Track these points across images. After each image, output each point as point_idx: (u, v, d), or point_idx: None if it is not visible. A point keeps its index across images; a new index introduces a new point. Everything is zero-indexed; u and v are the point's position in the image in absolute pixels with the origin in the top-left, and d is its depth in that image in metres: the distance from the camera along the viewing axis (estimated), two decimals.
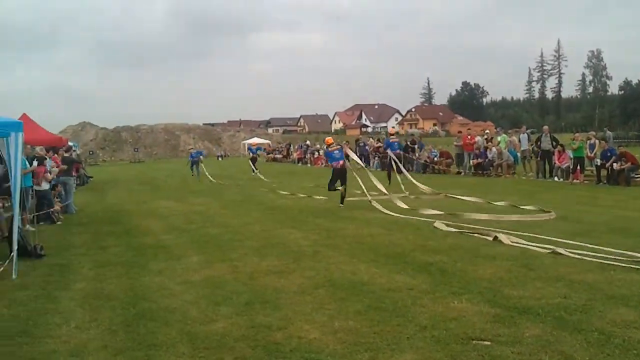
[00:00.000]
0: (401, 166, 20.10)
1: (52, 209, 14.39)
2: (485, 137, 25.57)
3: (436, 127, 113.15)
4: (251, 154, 34.04)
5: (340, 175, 15.19)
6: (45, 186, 14.61)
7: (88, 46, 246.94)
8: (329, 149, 16.10)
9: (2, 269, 8.36)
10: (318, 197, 17.56)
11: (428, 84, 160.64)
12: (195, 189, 23.72)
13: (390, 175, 20.34)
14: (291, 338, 5.29)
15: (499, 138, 25.49)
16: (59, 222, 14.34)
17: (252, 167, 30.94)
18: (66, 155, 17.87)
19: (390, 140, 23.14)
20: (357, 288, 6.93)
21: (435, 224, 11.23)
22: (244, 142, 73.81)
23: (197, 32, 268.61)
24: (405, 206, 13.78)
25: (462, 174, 25.39)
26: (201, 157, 31.77)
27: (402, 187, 18.52)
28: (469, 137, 25.63)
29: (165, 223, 13.55)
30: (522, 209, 13.24)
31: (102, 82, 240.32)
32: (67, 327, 5.89)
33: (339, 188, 15.07)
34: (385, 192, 15.79)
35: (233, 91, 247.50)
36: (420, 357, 4.70)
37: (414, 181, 18.37)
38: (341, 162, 15.35)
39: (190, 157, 32.97)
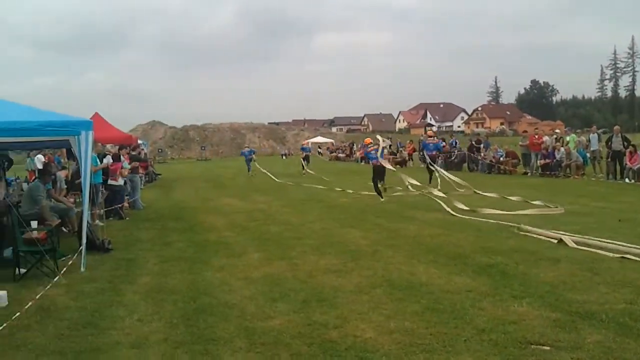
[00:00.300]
0: (434, 166, 21.02)
1: (120, 205, 14.86)
2: (555, 136, 24.79)
3: (503, 126, 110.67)
4: (304, 152, 34.62)
5: (378, 172, 16.62)
6: (120, 182, 15.11)
7: (157, 47, 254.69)
8: (367, 149, 18.04)
9: (71, 262, 8.69)
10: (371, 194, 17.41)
11: (495, 82, 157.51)
12: (259, 187, 23.97)
13: (431, 174, 20.78)
14: (346, 337, 5.31)
15: (567, 138, 24.70)
16: (127, 218, 14.80)
17: (303, 164, 31.93)
18: (133, 153, 18.39)
19: (426, 142, 24.21)
20: (415, 288, 6.88)
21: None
22: (308, 140, 74.19)
23: (263, 33, 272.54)
24: (464, 207, 13.51)
25: (529, 174, 24.67)
26: (253, 155, 32.91)
27: (439, 182, 18.91)
28: (536, 136, 24.92)
29: (228, 220, 13.78)
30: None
31: (171, 82, 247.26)
32: (130, 320, 6.08)
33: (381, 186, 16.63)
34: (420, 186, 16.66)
35: (298, 90, 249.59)
36: None
37: (448, 176, 18.67)
38: (377, 161, 16.64)
39: (243, 155, 35.03)
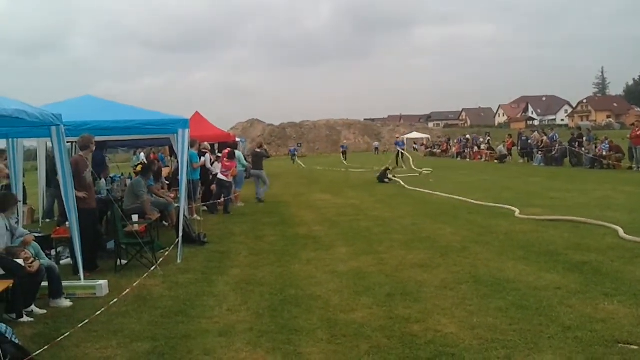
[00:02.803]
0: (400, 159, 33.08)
1: (229, 197, 15.39)
2: None
3: (610, 119, 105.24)
4: (398, 147, 34.59)
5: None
6: (230, 178, 15.66)
7: (257, 46, 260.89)
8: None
9: (168, 254, 9.13)
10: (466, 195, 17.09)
11: (602, 73, 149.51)
12: (352, 183, 24.12)
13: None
14: (428, 331, 5.30)
15: None
16: (241, 204, 16.20)
17: (397, 160, 31.80)
18: (258, 150, 18.99)
19: (397, 141, 39.72)
20: (501, 285, 6.75)
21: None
22: (403, 136, 73.66)
23: (360, 29, 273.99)
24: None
25: (636, 169, 23.24)
26: (296, 153, 37.89)
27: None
28: (637, 129, 23.53)
29: (319, 215, 13.99)
30: None
31: (270, 80, 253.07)
32: (219, 309, 6.34)
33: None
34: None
35: (394, 86, 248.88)
36: (558, 358, 4.50)
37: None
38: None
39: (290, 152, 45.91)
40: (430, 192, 18.10)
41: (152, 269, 8.17)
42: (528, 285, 6.71)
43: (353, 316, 5.87)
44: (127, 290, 6.99)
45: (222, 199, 15.35)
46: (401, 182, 22.18)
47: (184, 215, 10.61)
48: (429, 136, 68.71)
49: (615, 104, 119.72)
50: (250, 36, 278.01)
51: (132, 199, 11.16)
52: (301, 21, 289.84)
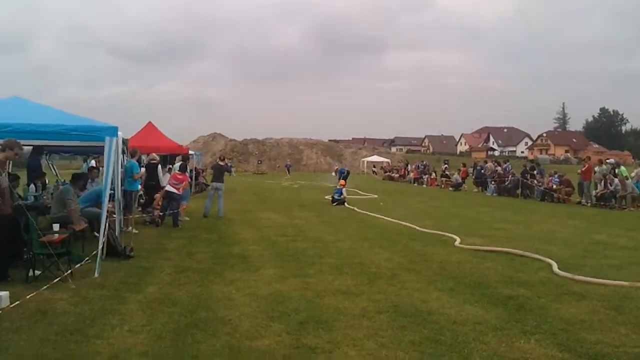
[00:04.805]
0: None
1: (176, 210, 14.92)
2: (612, 166, 23.49)
3: (568, 154, 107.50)
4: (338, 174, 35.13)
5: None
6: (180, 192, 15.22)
7: (225, 61, 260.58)
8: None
9: (86, 266, 8.69)
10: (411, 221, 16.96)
11: (563, 109, 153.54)
12: (304, 203, 23.82)
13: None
14: None
15: (622, 168, 23.37)
16: (187, 218, 15.94)
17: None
18: (220, 163, 18.56)
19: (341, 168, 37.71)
20: (421, 317, 6.51)
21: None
22: (364, 159, 73.94)
23: (329, 50, 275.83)
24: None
25: (588, 204, 23.22)
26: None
27: None
28: (588, 164, 23.81)
29: (259, 234, 13.65)
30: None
31: (236, 96, 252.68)
32: (119, 330, 5.94)
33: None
34: None
35: (360, 109, 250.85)
36: None
37: None
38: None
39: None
40: (379, 216, 17.91)
41: (56, 280, 7.68)
42: (448, 318, 6.48)
43: (258, 343, 5.55)
44: (28, 303, 6.55)
45: (177, 210, 14.95)
46: (348, 205, 21.96)
47: (111, 227, 10.22)
48: (389, 160, 68.96)
49: (574, 139, 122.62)
50: (218, 51, 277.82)
51: (59, 207, 10.69)
52: (271, 39, 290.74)
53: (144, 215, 16.02)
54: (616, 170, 22.67)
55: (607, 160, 24.93)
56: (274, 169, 78.79)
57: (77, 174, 12.03)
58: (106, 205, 9.05)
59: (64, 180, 15.63)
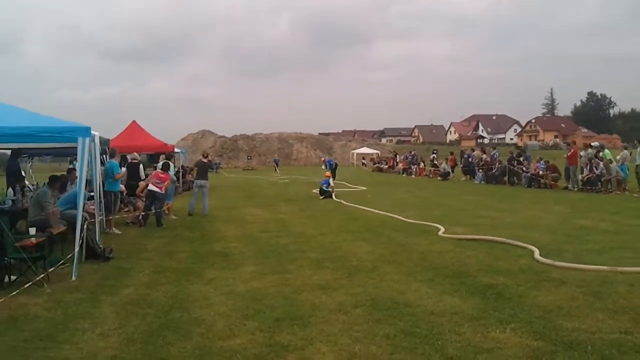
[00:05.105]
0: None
1: (159, 209, 14.78)
2: (597, 150, 23.47)
3: (557, 139, 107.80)
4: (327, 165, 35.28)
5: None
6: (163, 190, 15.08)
7: (214, 57, 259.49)
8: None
9: (64, 269, 8.62)
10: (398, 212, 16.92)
11: (551, 94, 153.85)
12: (291, 197, 23.72)
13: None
14: None
15: (606, 152, 23.34)
16: (174, 217, 16.09)
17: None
18: (204, 161, 18.38)
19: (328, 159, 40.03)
20: (398, 309, 6.45)
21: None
22: (353, 151, 73.92)
23: (318, 43, 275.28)
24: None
25: (575, 188, 23.18)
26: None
27: None
28: (574, 149, 23.82)
29: (242, 230, 13.56)
30: None
31: (225, 92, 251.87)
32: (91, 333, 5.86)
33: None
34: None
35: (350, 101, 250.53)
36: None
37: None
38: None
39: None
40: (365, 208, 17.86)
41: (28, 285, 7.55)
42: (425, 309, 6.43)
43: (231, 343, 5.47)
44: (3, 310, 6.46)
45: (160, 209, 14.83)
46: (335, 197, 21.91)
47: (90, 229, 10.12)
48: (378, 152, 69.00)
49: (562, 125, 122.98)
50: (207, 47, 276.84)
51: (37, 210, 10.57)
52: (259, 33, 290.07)
53: (125, 209, 15.94)
54: (600, 154, 22.67)
55: (592, 144, 24.97)
56: (264, 165, 78.64)
57: (55, 175, 11.87)
58: (81, 207, 8.94)
59: (44, 183, 15.45)
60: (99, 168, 11.21)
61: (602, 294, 6.80)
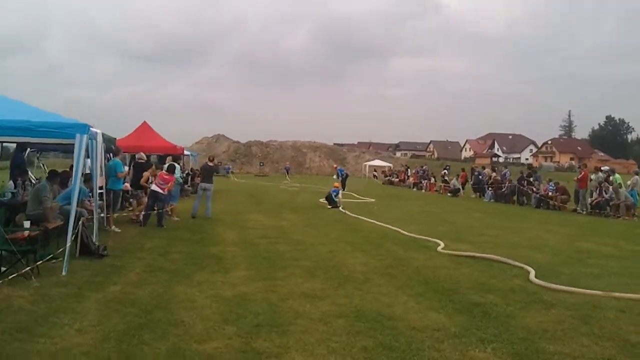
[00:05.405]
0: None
1: (161, 210, 14.76)
2: (607, 174, 23.21)
3: (573, 161, 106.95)
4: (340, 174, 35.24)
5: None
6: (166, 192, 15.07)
7: (232, 64, 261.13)
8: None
9: (56, 263, 8.62)
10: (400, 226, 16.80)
11: (569, 116, 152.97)
12: (298, 206, 23.65)
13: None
14: None
15: (616, 176, 23.07)
16: (176, 218, 15.99)
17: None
18: (210, 164, 18.39)
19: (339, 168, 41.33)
20: (381, 322, 6.37)
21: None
22: (366, 163, 73.79)
23: (337, 55, 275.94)
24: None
25: (584, 212, 22.87)
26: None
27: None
28: (584, 172, 23.61)
29: (242, 235, 13.52)
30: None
31: (242, 99, 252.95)
32: (69, 329, 5.83)
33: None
34: None
35: (366, 114, 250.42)
36: None
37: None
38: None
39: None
40: (369, 220, 17.75)
41: (12, 277, 7.56)
42: (408, 324, 6.34)
43: (205, 347, 5.41)
44: None
45: (162, 209, 14.82)
46: (342, 209, 21.84)
47: (85, 225, 10.13)
48: (391, 165, 68.77)
49: (579, 147, 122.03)
50: (225, 54, 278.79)
51: (35, 204, 10.60)
52: (278, 43, 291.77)
53: (130, 208, 15.98)
54: (611, 178, 22.42)
55: (602, 168, 24.71)
56: (277, 172, 78.70)
57: (54, 171, 11.92)
58: (76, 202, 8.94)
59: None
60: (99, 165, 11.21)
61: (591, 319, 6.68)
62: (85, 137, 8.82)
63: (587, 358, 5.32)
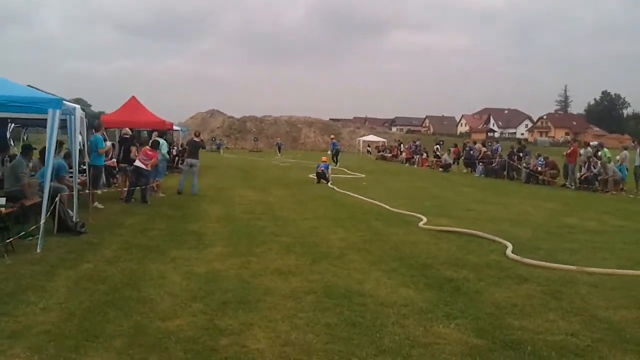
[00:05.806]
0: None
1: (145, 186, 14.66)
2: (595, 149, 23.18)
3: (568, 136, 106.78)
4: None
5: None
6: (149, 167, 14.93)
7: (230, 38, 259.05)
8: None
9: (32, 240, 8.57)
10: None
11: (565, 91, 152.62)
12: (286, 181, 23.56)
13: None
14: (233, 346, 4.86)
15: (604, 151, 22.99)
16: (162, 195, 16.06)
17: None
18: (195, 140, 18.28)
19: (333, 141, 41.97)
20: (349, 298, 6.35)
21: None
22: (360, 138, 73.64)
23: (334, 30, 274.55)
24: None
25: (572, 186, 22.89)
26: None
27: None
28: (573, 147, 23.57)
29: (225, 211, 13.48)
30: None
31: (239, 73, 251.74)
32: (34, 307, 5.79)
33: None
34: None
35: (363, 88, 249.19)
36: None
37: None
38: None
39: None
40: (356, 196, 17.70)
41: None
42: (377, 300, 6.32)
43: (169, 324, 5.38)
44: None
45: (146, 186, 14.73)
46: (331, 184, 21.80)
47: (62, 201, 10.06)
48: (385, 140, 68.61)
49: (574, 122, 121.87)
50: (222, 28, 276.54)
51: (12, 181, 10.51)
52: (275, 18, 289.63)
53: (116, 184, 15.91)
54: (599, 153, 22.38)
55: (591, 143, 24.66)
56: (271, 147, 78.51)
57: (28, 145, 11.79)
58: (49, 178, 8.86)
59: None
60: (78, 141, 11.10)
61: (562, 294, 6.68)
62: (57, 112, 8.70)
63: (550, 333, 5.30)
